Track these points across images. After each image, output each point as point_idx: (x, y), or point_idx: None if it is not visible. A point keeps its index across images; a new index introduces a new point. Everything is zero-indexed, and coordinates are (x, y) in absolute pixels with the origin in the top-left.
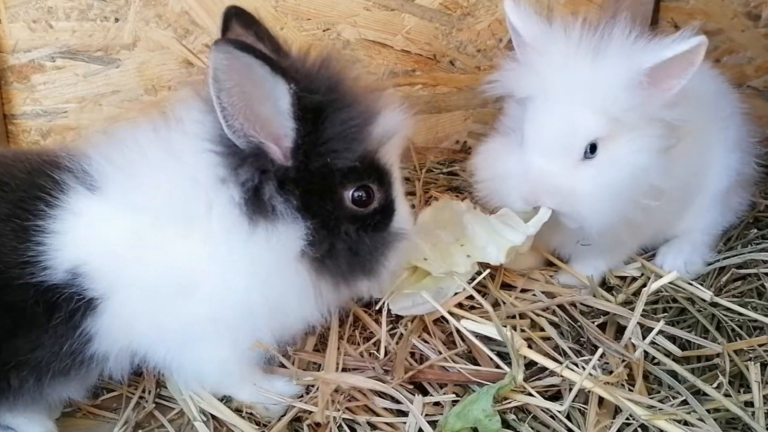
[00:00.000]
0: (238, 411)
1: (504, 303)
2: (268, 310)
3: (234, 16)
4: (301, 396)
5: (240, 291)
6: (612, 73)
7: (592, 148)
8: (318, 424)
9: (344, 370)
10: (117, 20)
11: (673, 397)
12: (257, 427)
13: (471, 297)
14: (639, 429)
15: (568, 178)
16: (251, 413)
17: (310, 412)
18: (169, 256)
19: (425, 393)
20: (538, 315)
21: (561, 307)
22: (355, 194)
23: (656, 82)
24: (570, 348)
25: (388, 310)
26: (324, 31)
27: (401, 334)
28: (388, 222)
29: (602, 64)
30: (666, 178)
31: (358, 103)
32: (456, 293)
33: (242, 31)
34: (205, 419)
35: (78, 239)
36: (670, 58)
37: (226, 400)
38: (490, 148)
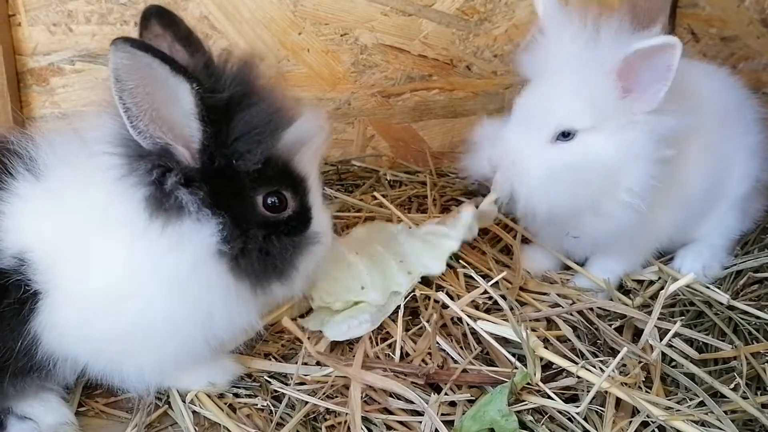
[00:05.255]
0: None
1: (521, 305)
2: (191, 312)
3: (154, 15)
4: (315, 392)
5: (162, 293)
6: (592, 64)
7: (566, 134)
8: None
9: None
10: (137, 24)
11: (690, 399)
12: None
13: (490, 297)
14: (656, 430)
15: (529, 155)
16: (249, 415)
17: (329, 411)
18: (96, 260)
19: (440, 392)
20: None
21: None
22: (268, 199)
23: (631, 81)
24: (587, 350)
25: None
26: (342, 35)
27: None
28: (303, 229)
29: (588, 53)
30: (645, 185)
31: (268, 106)
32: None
33: (161, 30)
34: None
35: (24, 224)
36: (637, 55)
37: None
38: (490, 121)
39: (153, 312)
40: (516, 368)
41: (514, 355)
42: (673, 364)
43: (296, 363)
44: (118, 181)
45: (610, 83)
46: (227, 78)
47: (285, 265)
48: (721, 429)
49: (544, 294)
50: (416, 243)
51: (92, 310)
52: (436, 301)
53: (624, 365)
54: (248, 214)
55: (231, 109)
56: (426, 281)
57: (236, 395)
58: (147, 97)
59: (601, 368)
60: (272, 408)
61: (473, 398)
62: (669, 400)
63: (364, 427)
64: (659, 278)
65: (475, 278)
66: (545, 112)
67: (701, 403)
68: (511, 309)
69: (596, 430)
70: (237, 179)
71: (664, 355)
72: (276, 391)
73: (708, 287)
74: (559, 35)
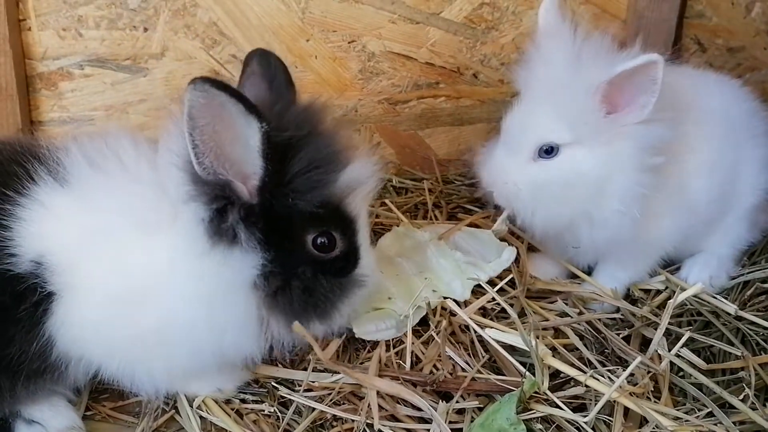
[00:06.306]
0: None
1: (532, 313)
2: (209, 332)
3: (256, 55)
4: (322, 399)
5: (186, 307)
6: (576, 82)
7: (549, 150)
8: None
9: None
10: (146, 30)
11: (699, 409)
12: None
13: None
14: None
15: (514, 174)
16: (255, 420)
17: (336, 418)
18: (125, 262)
19: (447, 401)
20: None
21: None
22: (318, 240)
23: (617, 99)
24: (595, 359)
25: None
26: (349, 43)
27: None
28: (350, 270)
29: (572, 71)
30: (633, 193)
31: (327, 148)
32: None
33: (257, 68)
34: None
35: (45, 230)
36: (623, 74)
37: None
38: (488, 144)
39: (173, 322)
40: (524, 377)
41: (523, 364)
42: (681, 374)
43: (303, 369)
44: (186, 196)
45: (594, 104)
46: (292, 117)
47: (327, 305)
48: None
49: (552, 302)
50: (448, 264)
51: (113, 312)
52: (443, 309)
53: (632, 375)
54: (296, 252)
55: (292, 149)
56: None
57: (243, 401)
58: (215, 135)
59: (609, 377)
60: (279, 414)
61: (481, 406)
62: (677, 410)
63: None
64: (666, 288)
65: (483, 285)
66: (526, 130)
67: (710, 414)
68: (520, 316)
69: None
70: (290, 218)
71: (672, 364)
72: (283, 397)
73: (715, 297)
74: (546, 53)
